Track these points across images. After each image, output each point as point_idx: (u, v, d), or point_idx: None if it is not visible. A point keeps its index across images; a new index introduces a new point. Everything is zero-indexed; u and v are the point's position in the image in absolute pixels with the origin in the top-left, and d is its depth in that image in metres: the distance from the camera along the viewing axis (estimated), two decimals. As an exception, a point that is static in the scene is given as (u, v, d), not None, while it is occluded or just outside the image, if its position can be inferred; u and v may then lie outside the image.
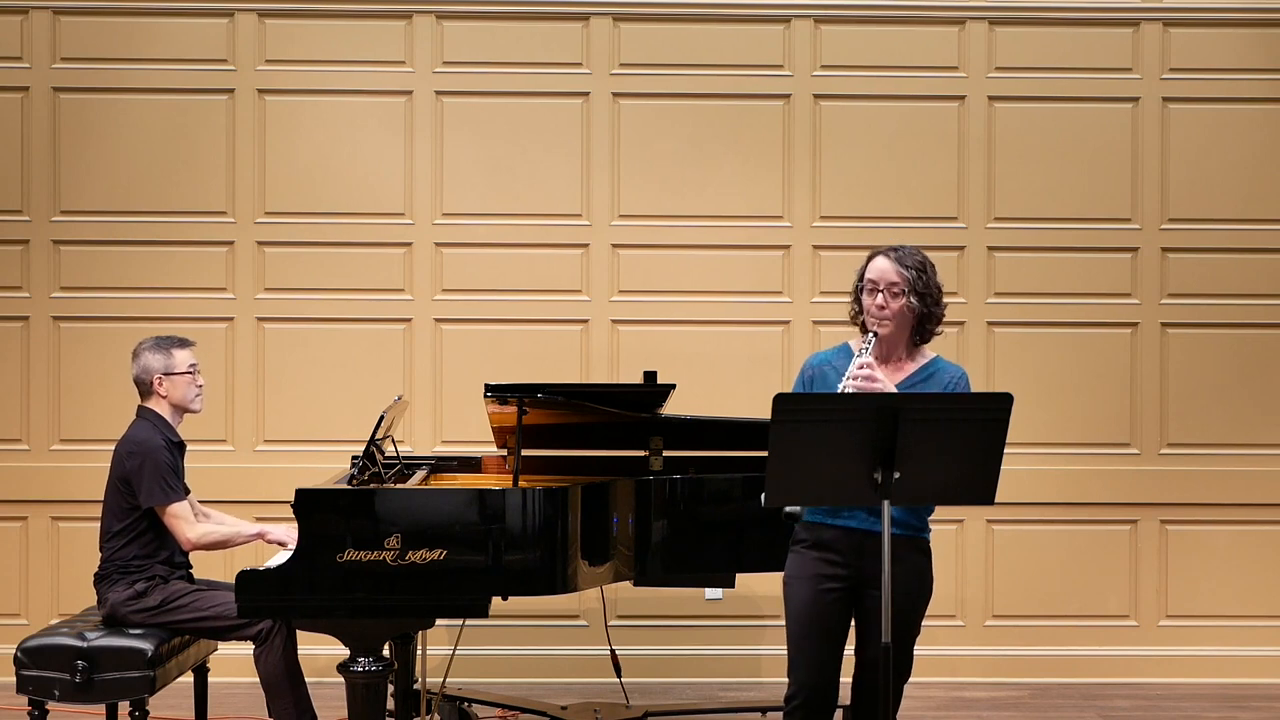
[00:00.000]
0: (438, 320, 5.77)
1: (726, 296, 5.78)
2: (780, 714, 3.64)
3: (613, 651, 5.01)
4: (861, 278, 3.55)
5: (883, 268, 3.50)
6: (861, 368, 3.37)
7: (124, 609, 4.22)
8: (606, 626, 5.21)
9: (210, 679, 4.65)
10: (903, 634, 3.52)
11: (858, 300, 3.58)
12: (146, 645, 4.10)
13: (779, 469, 3.16)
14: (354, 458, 4.58)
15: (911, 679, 5.55)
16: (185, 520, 4.27)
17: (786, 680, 3.59)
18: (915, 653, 5.82)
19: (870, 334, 3.47)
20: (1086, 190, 5.82)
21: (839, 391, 3.34)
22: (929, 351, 3.61)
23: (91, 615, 4.37)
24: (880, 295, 3.48)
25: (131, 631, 4.16)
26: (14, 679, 4.12)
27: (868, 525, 3.45)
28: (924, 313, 3.52)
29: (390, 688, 4.54)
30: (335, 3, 5.75)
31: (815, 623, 3.51)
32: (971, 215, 5.82)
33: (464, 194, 5.78)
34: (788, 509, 3.41)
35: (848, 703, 3.70)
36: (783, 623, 5.56)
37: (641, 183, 5.79)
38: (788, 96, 5.80)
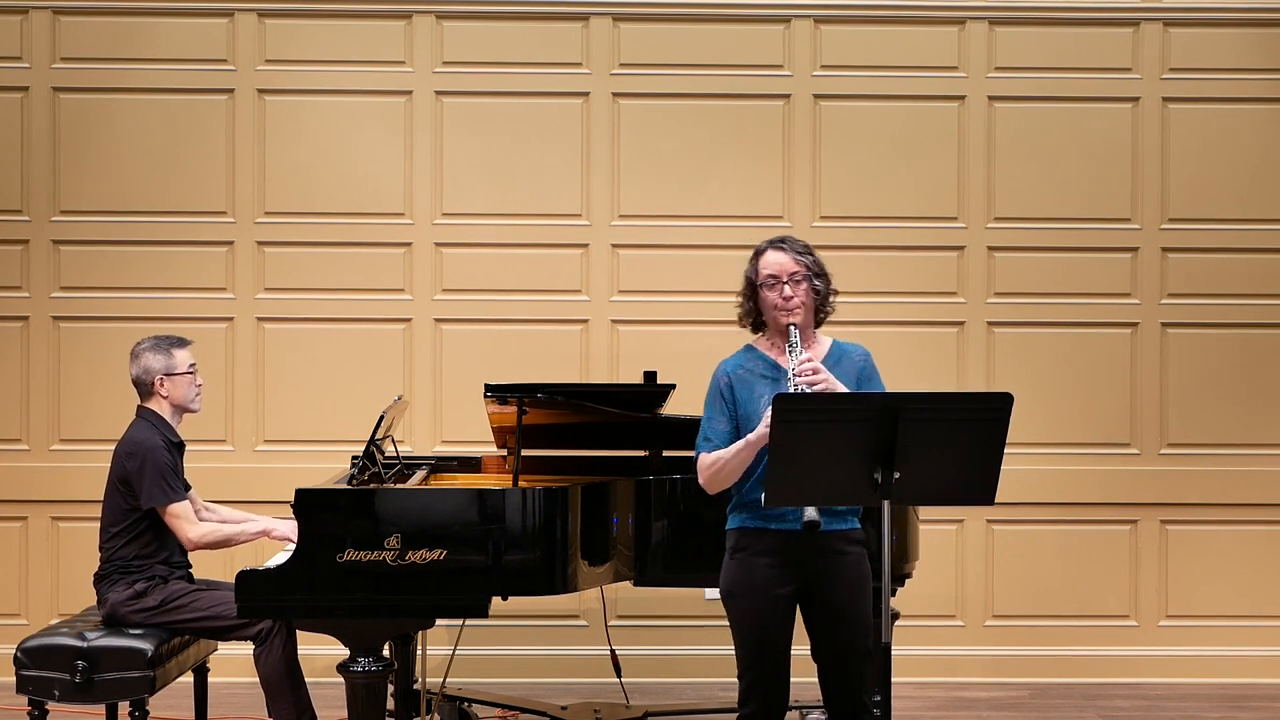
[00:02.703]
0: (438, 320, 5.77)
1: (727, 296, 5.70)
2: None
3: (613, 651, 5.01)
4: (756, 275, 3.55)
5: (780, 260, 3.52)
6: (806, 361, 3.36)
7: (124, 609, 4.22)
8: (606, 626, 5.21)
9: (210, 679, 4.65)
10: (861, 628, 3.47)
11: (750, 300, 3.58)
12: (146, 645, 4.10)
13: (779, 469, 3.16)
14: (354, 458, 4.58)
15: (911, 679, 5.60)
16: (187, 520, 4.26)
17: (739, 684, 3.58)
18: (914, 652, 5.84)
19: (790, 326, 3.46)
20: (1086, 190, 5.82)
21: (789, 392, 3.30)
22: (823, 336, 3.62)
23: (91, 615, 4.37)
24: (785, 287, 3.49)
25: (131, 631, 4.16)
26: (14, 679, 4.12)
27: None
28: (823, 294, 3.55)
29: (390, 688, 4.54)
30: (335, 3, 5.75)
31: (768, 633, 3.47)
32: (971, 215, 5.82)
33: (464, 194, 5.78)
34: (809, 517, 3.30)
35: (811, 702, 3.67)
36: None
37: (641, 183, 5.79)
38: (788, 96, 5.80)
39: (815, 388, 3.30)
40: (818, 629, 3.50)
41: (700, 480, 3.50)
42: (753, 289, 3.57)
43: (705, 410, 3.55)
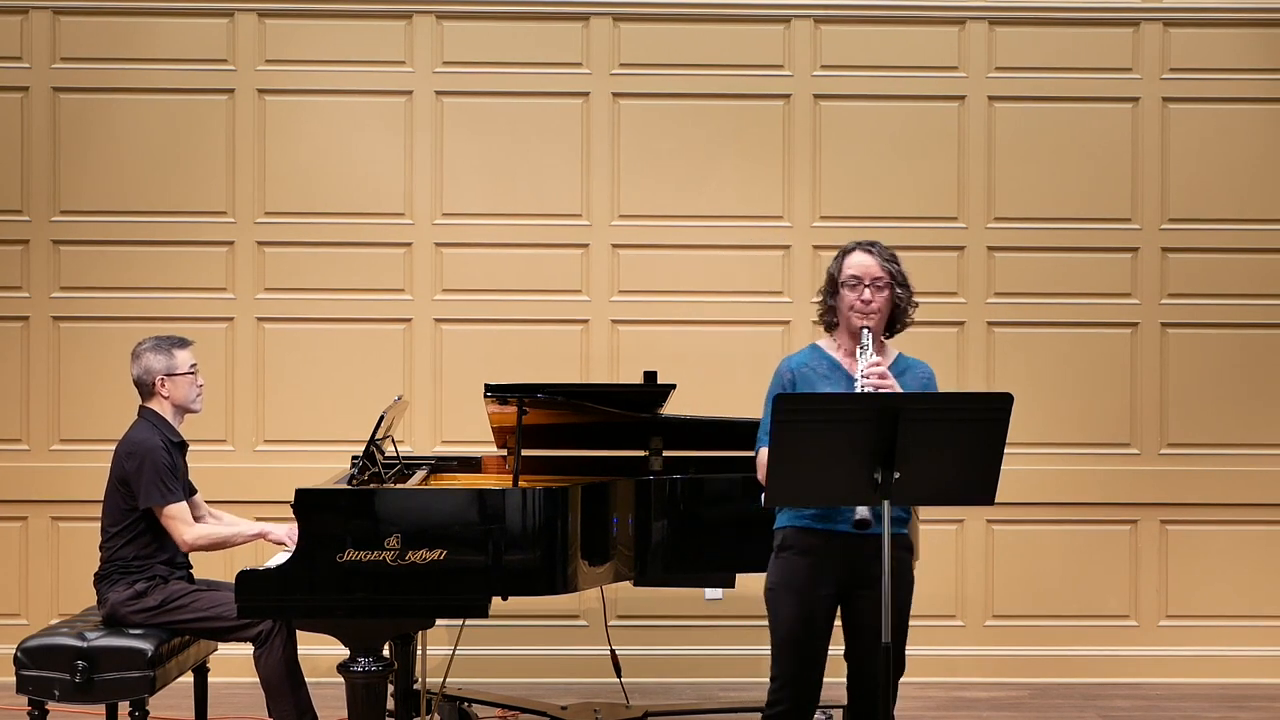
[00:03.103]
0: (438, 320, 5.77)
1: (726, 296, 5.78)
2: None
3: (613, 651, 5.01)
4: (839, 273, 3.57)
5: (866, 263, 3.55)
6: (874, 365, 3.38)
7: (124, 609, 4.22)
8: (606, 626, 5.21)
9: (210, 679, 4.65)
10: (899, 632, 3.52)
11: (830, 297, 3.60)
12: (146, 645, 4.10)
13: (779, 469, 3.16)
14: (354, 458, 4.58)
15: (912, 679, 5.56)
16: (182, 521, 4.26)
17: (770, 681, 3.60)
18: (914, 652, 5.81)
19: (863, 329, 3.48)
20: (1086, 190, 5.82)
21: (856, 391, 3.34)
22: (890, 347, 3.65)
23: (91, 615, 4.37)
24: (866, 290, 3.51)
25: (131, 631, 4.16)
26: (14, 679, 4.12)
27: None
28: (902, 305, 3.57)
29: (390, 688, 4.54)
30: (335, 3, 5.75)
31: (806, 632, 3.51)
32: (971, 215, 5.82)
33: (464, 194, 5.78)
34: (860, 516, 3.28)
35: (843, 703, 3.70)
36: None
37: (641, 183, 5.79)
38: (788, 96, 5.80)
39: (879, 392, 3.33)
40: (854, 631, 3.53)
41: (759, 476, 3.53)
42: (834, 286, 3.59)
43: (766, 406, 3.56)
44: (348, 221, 5.76)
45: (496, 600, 3.83)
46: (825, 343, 3.66)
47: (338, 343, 5.75)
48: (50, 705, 4.13)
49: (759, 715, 4.89)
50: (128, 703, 4.09)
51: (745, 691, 5.45)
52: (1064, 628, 5.80)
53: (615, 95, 5.79)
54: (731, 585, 4.95)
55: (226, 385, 5.71)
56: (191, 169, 5.75)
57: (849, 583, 3.49)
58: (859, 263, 3.55)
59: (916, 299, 3.63)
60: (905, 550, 3.58)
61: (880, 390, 3.32)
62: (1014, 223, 5.82)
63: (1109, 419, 5.81)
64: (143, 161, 5.74)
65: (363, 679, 3.80)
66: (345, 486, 4.08)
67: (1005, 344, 5.81)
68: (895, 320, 3.60)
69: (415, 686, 4.73)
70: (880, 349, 3.59)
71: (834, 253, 5.74)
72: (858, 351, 3.46)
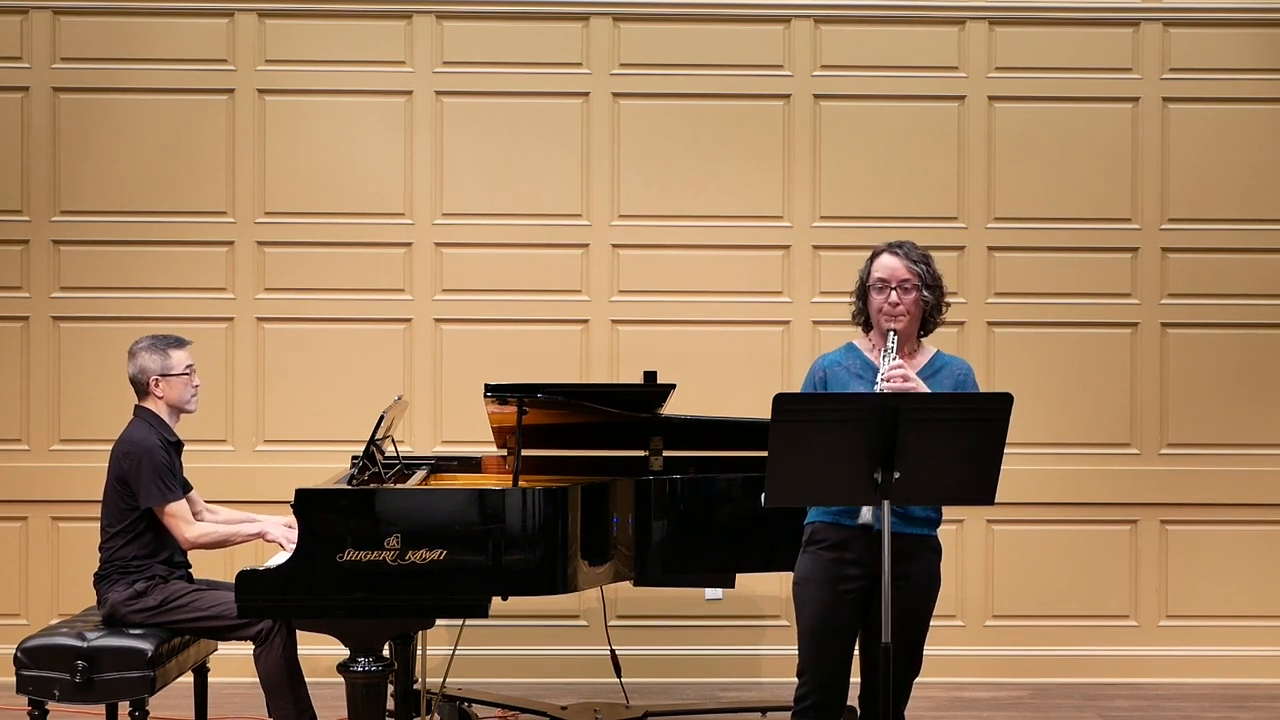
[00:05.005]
0: (438, 320, 5.77)
1: (726, 296, 5.78)
2: (781, 714, 3.64)
3: (613, 651, 5.01)
4: (868, 276, 3.58)
5: (893, 265, 3.54)
6: (896, 367, 3.38)
7: (124, 609, 4.22)
8: (606, 626, 5.21)
9: (210, 679, 4.65)
10: (916, 633, 3.53)
11: (861, 299, 3.61)
12: (146, 645, 4.10)
13: (779, 469, 3.16)
14: (354, 458, 4.58)
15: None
16: (183, 520, 4.26)
17: (790, 680, 3.60)
18: (915, 652, 5.77)
19: (889, 331, 3.49)
20: (1086, 190, 5.82)
21: (875, 392, 3.34)
22: (928, 345, 3.64)
23: (91, 615, 4.37)
24: (893, 292, 3.51)
25: (131, 631, 4.16)
26: (14, 679, 4.12)
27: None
28: (933, 305, 3.57)
29: (390, 688, 4.54)
30: (335, 3, 5.75)
31: (831, 626, 3.52)
32: (971, 215, 5.82)
33: (464, 194, 5.78)
34: (863, 520, 3.34)
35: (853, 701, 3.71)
36: (783, 623, 5.59)
37: (641, 183, 5.79)
38: (788, 96, 5.80)
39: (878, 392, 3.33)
40: (873, 629, 3.53)
41: None
42: (864, 289, 3.59)
43: None
44: (348, 221, 5.76)
45: (496, 600, 3.83)
46: (861, 341, 3.67)
47: (338, 343, 5.75)
48: (50, 705, 4.13)
49: (760, 715, 4.91)
50: (128, 703, 4.09)
51: (745, 691, 5.46)
52: (1064, 628, 5.80)
53: (615, 95, 5.79)
54: (731, 585, 4.95)
55: (226, 385, 5.71)
56: (191, 169, 5.74)
57: (875, 581, 3.49)
58: (886, 265, 3.54)
59: (949, 299, 3.63)
60: (934, 553, 3.57)
61: (901, 390, 3.32)
62: (1014, 223, 5.82)
63: (1109, 419, 5.81)
64: (143, 161, 5.74)
65: (363, 679, 3.80)
66: (345, 486, 4.07)
67: (1005, 344, 5.81)
68: (927, 320, 3.59)
69: (415, 686, 4.72)
70: (916, 349, 3.60)
71: (836, 252, 5.81)
72: (882, 354, 3.46)
